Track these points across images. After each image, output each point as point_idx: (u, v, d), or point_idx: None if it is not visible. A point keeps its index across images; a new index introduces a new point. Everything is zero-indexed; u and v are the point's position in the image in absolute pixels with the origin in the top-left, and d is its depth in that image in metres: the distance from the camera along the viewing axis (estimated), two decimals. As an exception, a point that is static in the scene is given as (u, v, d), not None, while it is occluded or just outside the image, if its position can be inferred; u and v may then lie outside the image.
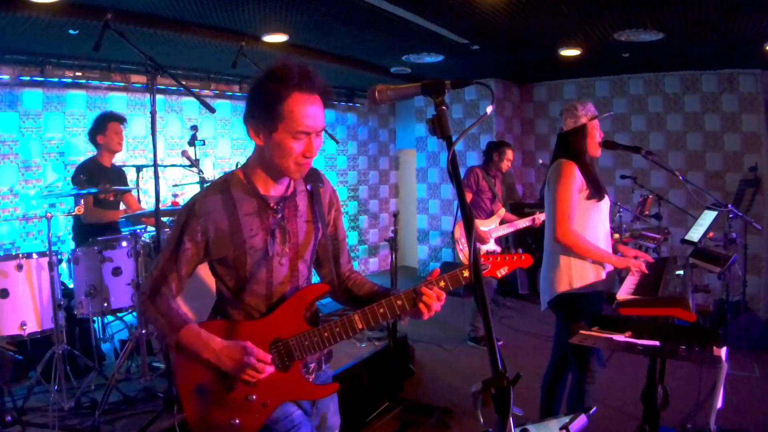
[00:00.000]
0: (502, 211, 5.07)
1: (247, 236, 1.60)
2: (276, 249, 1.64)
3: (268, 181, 1.65)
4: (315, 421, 1.76)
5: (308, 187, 1.74)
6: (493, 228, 4.97)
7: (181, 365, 1.67)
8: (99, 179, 3.99)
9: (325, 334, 1.62)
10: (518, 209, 6.32)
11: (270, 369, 1.56)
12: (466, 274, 1.64)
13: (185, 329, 1.57)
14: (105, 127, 4.10)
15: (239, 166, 1.74)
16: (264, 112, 1.53)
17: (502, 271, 1.80)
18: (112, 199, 4.18)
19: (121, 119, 4.19)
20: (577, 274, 2.75)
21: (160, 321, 1.60)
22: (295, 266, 1.69)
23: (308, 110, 1.52)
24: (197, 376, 1.62)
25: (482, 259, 1.76)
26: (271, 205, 1.64)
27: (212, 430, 1.62)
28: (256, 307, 1.66)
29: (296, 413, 1.65)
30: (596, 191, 2.76)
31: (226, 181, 1.65)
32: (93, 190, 3.62)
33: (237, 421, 1.59)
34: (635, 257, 2.88)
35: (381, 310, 1.61)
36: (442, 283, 1.63)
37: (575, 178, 2.72)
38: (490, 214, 5.04)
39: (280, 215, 1.65)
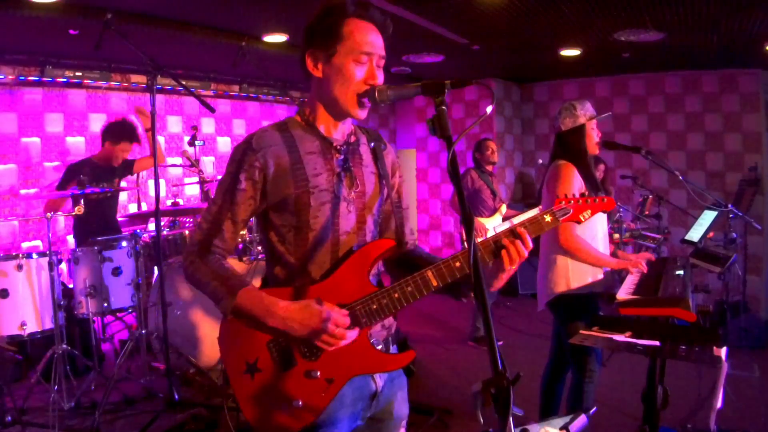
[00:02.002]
0: (504, 208, 5.10)
1: (311, 174, 1.42)
2: (343, 192, 1.46)
3: (329, 122, 1.49)
4: (370, 412, 1.52)
5: (371, 144, 1.58)
6: (497, 225, 4.99)
7: (227, 341, 1.47)
8: (98, 179, 4.00)
9: (395, 295, 1.39)
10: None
11: (352, 335, 1.36)
12: (548, 219, 1.48)
13: (244, 292, 1.36)
14: (118, 140, 4.08)
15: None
16: (322, 37, 1.42)
17: (585, 215, 1.61)
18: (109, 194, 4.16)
19: (136, 140, 4.17)
20: (574, 275, 2.74)
21: (213, 284, 1.39)
22: (363, 217, 1.50)
23: (368, 34, 1.42)
24: (248, 353, 1.42)
25: (564, 202, 1.58)
26: (335, 145, 1.48)
27: (270, 415, 1.41)
28: (320, 263, 1.45)
29: (342, 423, 1.44)
30: (595, 193, 2.75)
31: (284, 123, 1.49)
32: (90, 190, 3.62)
33: (300, 402, 1.38)
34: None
35: (457, 264, 1.39)
36: (521, 229, 1.42)
37: (575, 180, 2.71)
38: (493, 212, 5.06)
39: (343, 157, 1.49)
